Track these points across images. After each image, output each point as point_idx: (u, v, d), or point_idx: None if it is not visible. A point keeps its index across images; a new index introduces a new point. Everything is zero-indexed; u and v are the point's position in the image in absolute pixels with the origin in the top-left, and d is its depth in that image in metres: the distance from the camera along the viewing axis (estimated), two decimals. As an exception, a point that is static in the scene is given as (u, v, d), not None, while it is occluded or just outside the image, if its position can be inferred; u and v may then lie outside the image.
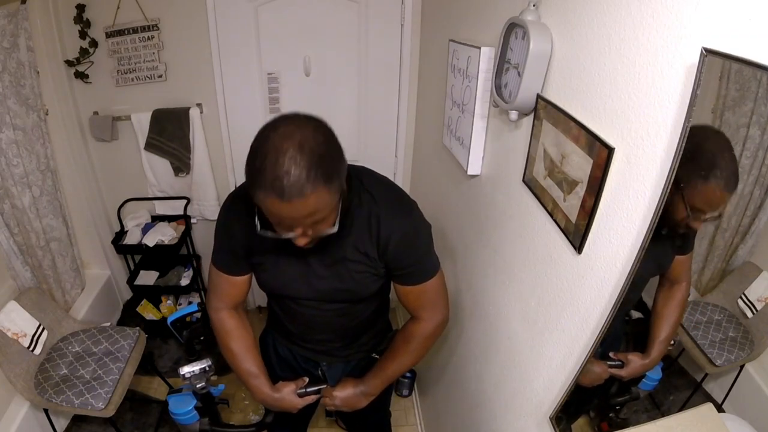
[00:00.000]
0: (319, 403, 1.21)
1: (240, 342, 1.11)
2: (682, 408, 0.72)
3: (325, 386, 1.16)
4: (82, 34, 1.94)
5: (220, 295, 1.10)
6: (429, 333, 1.10)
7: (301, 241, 0.84)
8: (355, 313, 1.12)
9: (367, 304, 1.11)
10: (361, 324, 1.16)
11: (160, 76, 2.06)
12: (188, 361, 1.05)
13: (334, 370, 1.25)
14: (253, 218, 0.92)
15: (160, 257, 2.46)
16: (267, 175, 0.72)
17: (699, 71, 0.50)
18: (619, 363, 0.75)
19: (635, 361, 0.73)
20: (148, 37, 1.97)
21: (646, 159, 0.61)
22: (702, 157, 0.55)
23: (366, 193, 0.96)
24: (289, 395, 1.12)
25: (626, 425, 0.73)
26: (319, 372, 1.24)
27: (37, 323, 1.80)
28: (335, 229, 0.84)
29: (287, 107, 2.12)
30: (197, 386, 1.12)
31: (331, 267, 1.00)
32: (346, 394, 1.17)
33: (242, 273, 1.07)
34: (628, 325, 0.77)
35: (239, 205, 1.00)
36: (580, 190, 0.75)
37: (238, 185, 1.05)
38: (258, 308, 2.76)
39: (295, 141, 0.73)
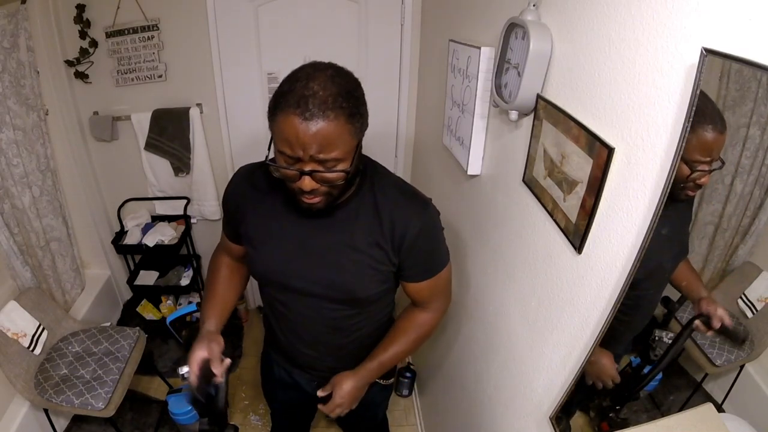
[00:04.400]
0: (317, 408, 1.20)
1: (217, 284, 1.11)
2: (682, 408, 0.72)
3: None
4: (82, 34, 1.94)
5: (223, 247, 1.15)
6: (434, 323, 1.11)
7: (308, 185, 0.79)
8: (349, 328, 1.05)
9: (363, 317, 1.05)
10: (357, 343, 1.09)
11: (160, 76, 2.06)
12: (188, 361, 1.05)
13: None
14: (254, 189, 0.95)
15: (160, 257, 2.46)
16: (294, 94, 0.74)
17: (699, 71, 0.50)
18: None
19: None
20: (148, 37, 1.97)
21: (646, 159, 0.61)
22: None
23: (381, 184, 0.95)
24: (194, 362, 0.94)
25: (626, 425, 0.73)
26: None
27: (37, 323, 1.80)
28: (347, 170, 0.81)
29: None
30: (197, 386, 1.11)
31: (333, 252, 0.94)
32: (346, 391, 1.07)
33: (238, 242, 1.07)
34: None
35: (245, 177, 1.02)
36: (580, 190, 0.75)
37: None
38: (258, 308, 2.76)
39: (328, 74, 0.77)
